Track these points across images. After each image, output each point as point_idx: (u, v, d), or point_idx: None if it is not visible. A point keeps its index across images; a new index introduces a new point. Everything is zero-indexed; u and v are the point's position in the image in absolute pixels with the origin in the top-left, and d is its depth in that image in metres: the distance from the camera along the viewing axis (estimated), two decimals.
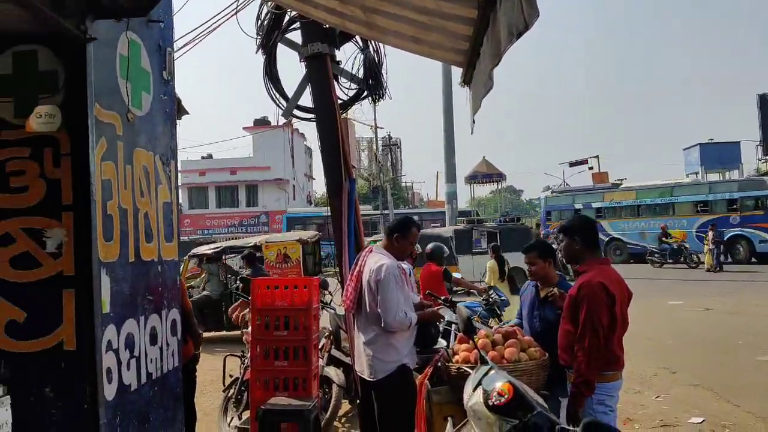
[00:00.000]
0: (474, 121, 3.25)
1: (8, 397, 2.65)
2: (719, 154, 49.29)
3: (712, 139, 51.93)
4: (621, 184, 35.07)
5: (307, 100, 5.66)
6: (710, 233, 23.46)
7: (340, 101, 5.50)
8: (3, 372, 2.83)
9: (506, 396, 2.70)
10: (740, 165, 44.64)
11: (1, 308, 2.86)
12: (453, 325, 4.49)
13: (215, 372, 7.69)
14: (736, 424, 5.93)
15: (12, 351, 2.85)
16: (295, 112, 5.87)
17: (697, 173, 51.90)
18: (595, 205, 30.71)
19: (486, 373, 3.05)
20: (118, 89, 3.25)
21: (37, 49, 2.93)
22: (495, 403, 2.72)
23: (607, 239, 28.84)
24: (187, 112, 6.15)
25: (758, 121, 43.78)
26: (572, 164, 52.03)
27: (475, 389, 3.00)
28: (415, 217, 6.02)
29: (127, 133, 3.33)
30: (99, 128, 3.01)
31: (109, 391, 2.96)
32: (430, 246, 8.75)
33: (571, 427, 2.55)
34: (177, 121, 4.47)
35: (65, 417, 2.82)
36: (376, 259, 4.06)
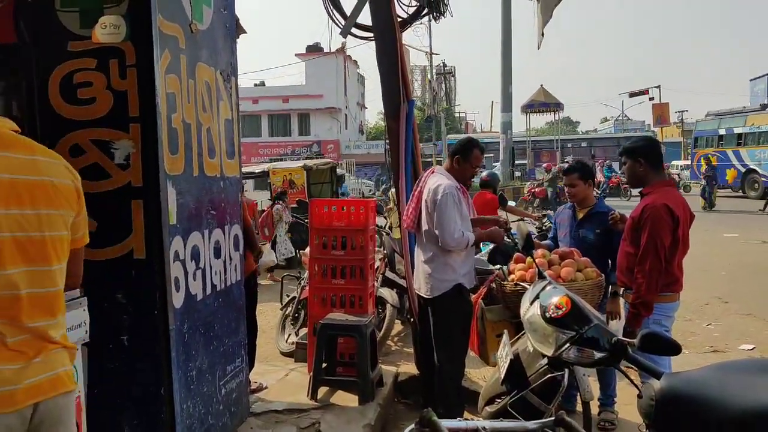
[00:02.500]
0: (543, 35, 3.11)
1: (85, 298, 2.78)
2: None
3: None
4: (683, 114, 33.36)
5: (365, 18, 5.51)
6: None
7: (399, 19, 5.33)
8: None
9: (563, 309, 2.71)
10: None
11: None
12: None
13: (272, 293, 7.92)
14: None
15: (86, 258, 2.95)
16: (353, 31, 5.74)
17: (766, 105, 49.37)
18: (737, 130, 27.35)
19: (543, 288, 3.06)
20: (180, 1, 3.22)
21: None
22: (552, 315, 2.74)
23: (743, 170, 25.98)
24: (245, 31, 6.12)
25: None
26: (632, 95, 50.08)
27: (532, 303, 3.02)
28: None
29: (189, 47, 3.32)
30: (163, 40, 3.01)
31: (177, 299, 3.07)
32: (485, 173, 8.68)
33: (628, 339, 2.52)
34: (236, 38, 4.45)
35: (136, 322, 2.94)
36: (435, 180, 4.04)
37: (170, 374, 2.95)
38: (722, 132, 27.92)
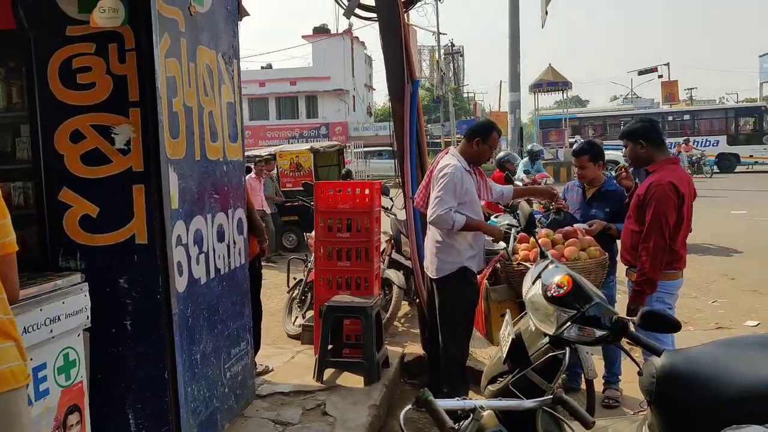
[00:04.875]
0: (547, 12, 3.06)
1: (86, 283, 2.80)
2: None
3: None
4: (692, 92, 32.99)
5: None
6: None
7: None
8: (79, 263, 2.96)
9: (565, 288, 2.69)
10: None
11: (75, 203, 2.95)
12: (513, 229, 4.48)
13: (279, 276, 7.95)
14: None
15: (87, 244, 2.97)
16: (357, 11, 5.68)
17: None
18: None
19: (545, 267, 3.05)
20: None
21: None
22: (554, 294, 2.72)
23: None
24: (248, 14, 6.03)
25: None
26: (641, 72, 49.57)
27: (534, 282, 3.01)
28: None
29: (189, 30, 3.30)
30: (162, 23, 3.00)
31: (180, 284, 3.08)
32: (500, 153, 8.85)
33: (629, 317, 2.53)
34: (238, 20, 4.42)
35: (139, 306, 2.96)
36: (446, 160, 4.08)
37: (174, 358, 2.96)
38: None
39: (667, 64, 47.30)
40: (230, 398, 3.67)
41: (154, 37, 2.88)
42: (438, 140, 34.63)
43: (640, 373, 2.35)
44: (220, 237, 3.61)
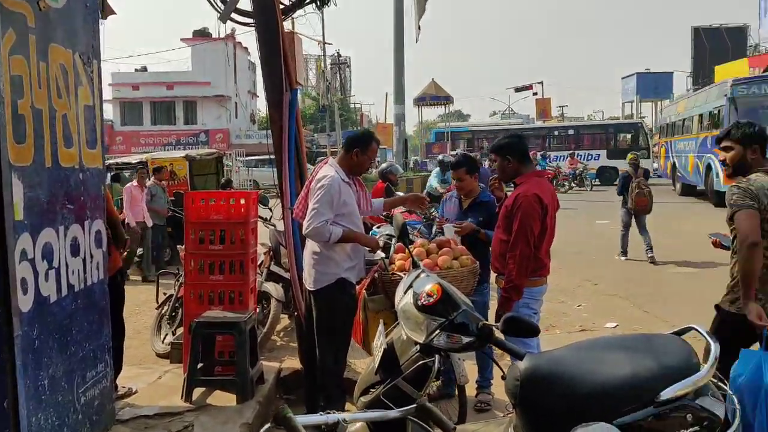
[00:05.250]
0: (419, 28, 3.09)
1: None
2: (655, 84, 50.32)
3: (648, 69, 53.03)
4: (563, 109, 35.20)
5: (247, 4, 5.31)
6: None
7: (282, 5, 5.16)
8: None
9: (435, 296, 2.75)
10: (671, 95, 45.48)
11: None
12: (393, 239, 4.53)
13: (149, 292, 7.55)
14: (645, 327, 6.32)
15: None
16: (234, 16, 5.51)
17: (632, 102, 53.19)
18: None
19: (417, 277, 3.11)
20: None
21: None
22: (424, 303, 2.77)
23: None
24: (113, 12, 5.72)
25: (690, 53, 44.99)
26: (518, 89, 52.29)
27: (405, 292, 3.06)
28: None
29: (40, 26, 3.03)
30: (6, 17, 2.74)
31: (25, 303, 2.80)
32: (383, 165, 8.91)
33: (494, 324, 2.60)
34: (101, 20, 4.14)
35: None
36: (324, 171, 4.02)
37: (15, 385, 2.68)
38: None
39: (541, 83, 50.21)
40: (84, 425, 3.37)
41: None
42: (324, 150, 34.57)
43: (503, 377, 2.44)
44: (75, 251, 3.32)
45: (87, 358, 3.43)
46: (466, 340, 2.64)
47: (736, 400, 2.22)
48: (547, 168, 26.39)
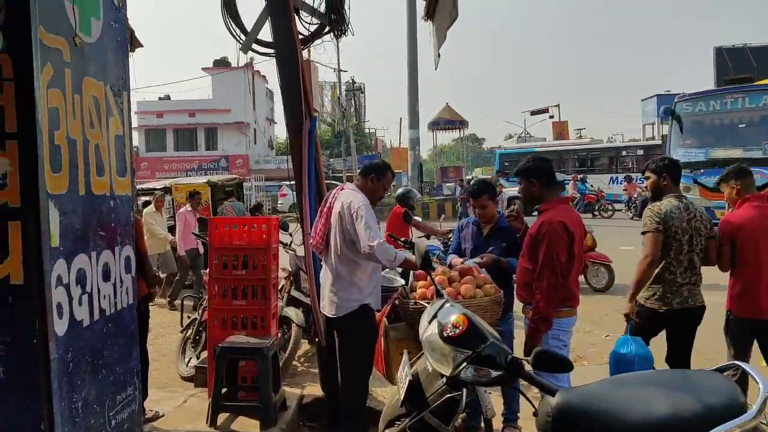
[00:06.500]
0: (439, 55, 3.18)
1: None
2: None
3: (668, 91, 52.76)
4: (581, 132, 33.87)
5: (267, 34, 5.47)
6: None
7: (300, 36, 5.31)
8: None
9: (461, 327, 2.70)
10: None
11: None
12: None
13: (173, 315, 7.66)
14: None
15: None
16: (255, 47, 5.67)
17: (653, 123, 52.79)
18: None
19: (441, 307, 3.06)
20: (65, 12, 3.06)
21: None
22: (449, 334, 2.72)
23: None
24: (141, 45, 5.91)
25: (713, 74, 44.69)
26: (533, 113, 52.31)
27: (430, 322, 3.00)
28: None
29: (75, 60, 3.16)
30: (44, 53, 2.85)
31: (60, 327, 2.88)
32: (400, 189, 8.87)
33: (523, 358, 2.56)
34: (130, 53, 4.29)
35: (13, 351, 2.73)
36: (347, 196, 4.03)
37: (51, 407, 2.76)
38: None
39: (558, 106, 50.15)
40: None
41: (34, 67, 2.74)
42: (340, 174, 34.84)
43: (535, 414, 2.40)
44: (106, 276, 3.42)
45: (117, 382, 3.50)
46: (494, 373, 2.59)
47: None
48: (588, 193, 24.94)
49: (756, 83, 16.61)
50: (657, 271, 4.24)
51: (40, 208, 2.76)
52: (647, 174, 4.45)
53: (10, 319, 2.74)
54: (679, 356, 4.39)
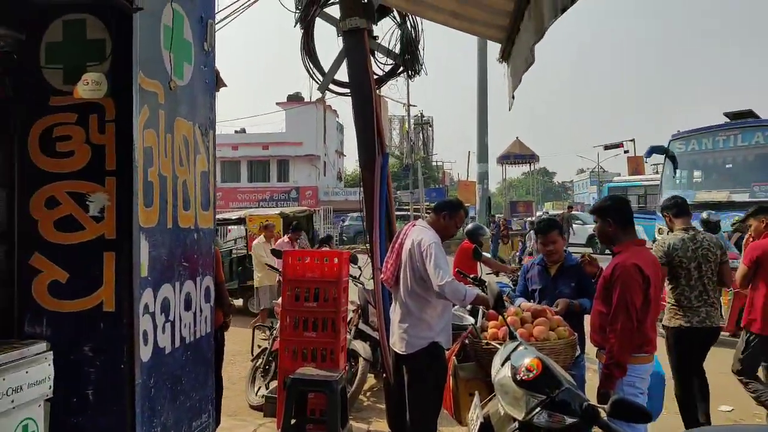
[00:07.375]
0: (513, 97, 3.23)
1: (51, 352, 2.77)
2: None
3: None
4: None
5: (343, 74, 5.67)
6: None
7: (375, 76, 5.48)
8: (45, 330, 2.93)
9: (534, 371, 2.69)
10: None
11: (45, 268, 2.95)
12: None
13: (244, 343, 7.84)
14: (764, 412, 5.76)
15: (54, 310, 2.95)
16: (331, 86, 5.88)
17: None
18: None
19: (515, 349, 3.04)
20: (162, 59, 3.30)
21: (86, 18, 2.99)
22: (523, 378, 2.72)
23: None
24: (225, 85, 6.19)
25: None
26: (607, 147, 51.03)
27: (503, 364, 2.99)
28: None
29: (168, 102, 3.38)
30: (142, 96, 3.07)
31: (145, 353, 3.05)
32: (470, 225, 8.83)
33: (599, 405, 2.53)
34: (215, 93, 4.53)
35: (103, 375, 2.91)
36: (418, 233, 4.07)
37: (134, 431, 2.90)
38: None
39: (633, 140, 48.92)
40: None
41: (134, 109, 2.96)
42: (407, 207, 35.03)
43: None
44: (187, 305, 3.59)
45: (194, 408, 3.65)
46: (569, 420, 2.56)
47: None
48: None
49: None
50: (674, 296, 5.00)
51: (133, 240, 2.95)
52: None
53: (102, 345, 2.92)
54: (691, 370, 5.07)
